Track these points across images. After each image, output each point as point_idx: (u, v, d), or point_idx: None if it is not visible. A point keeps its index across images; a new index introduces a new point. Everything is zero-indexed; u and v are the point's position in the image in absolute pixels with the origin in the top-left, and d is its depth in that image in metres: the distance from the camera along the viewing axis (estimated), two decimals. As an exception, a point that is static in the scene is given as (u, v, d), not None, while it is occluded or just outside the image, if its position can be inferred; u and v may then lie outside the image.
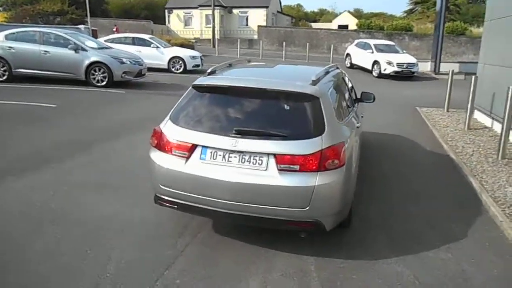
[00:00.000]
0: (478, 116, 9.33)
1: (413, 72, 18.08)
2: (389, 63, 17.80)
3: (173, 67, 15.94)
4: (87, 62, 11.16)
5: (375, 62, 18.46)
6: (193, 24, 40.71)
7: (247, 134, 3.27)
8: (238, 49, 24.79)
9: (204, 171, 3.30)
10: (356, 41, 21.54)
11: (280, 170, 3.19)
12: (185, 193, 3.40)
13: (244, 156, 3.25)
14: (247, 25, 40.23)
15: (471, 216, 4.43)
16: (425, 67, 20.65)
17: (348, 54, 21.24)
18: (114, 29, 29.39)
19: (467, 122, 8.43)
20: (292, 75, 4.43)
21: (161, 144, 3.49)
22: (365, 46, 19.82)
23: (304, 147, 3.20)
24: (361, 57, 19.73)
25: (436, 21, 20.58)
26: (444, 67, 20.17)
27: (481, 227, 4.21)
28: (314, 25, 47.37)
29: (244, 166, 3.24)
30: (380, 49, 19.17)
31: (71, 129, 7.27)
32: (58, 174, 5.15)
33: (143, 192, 4.66)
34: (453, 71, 10.37)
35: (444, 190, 5.21)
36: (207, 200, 3.34)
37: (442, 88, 15.30)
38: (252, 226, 3.70)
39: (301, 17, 58.12)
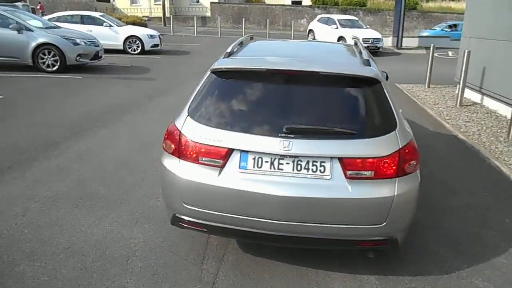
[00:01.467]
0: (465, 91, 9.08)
1: (379, 48, 17.89)
2: (355, 38, 17.39)
3: (129, 48, 14.47)
4: (33, 44, 9.60)
5: (340, 38, 18.04)
6: (140, 1, 38.19)
7: (303, 133, 2.49)
8: (195, 27, 23.34)
9: (246, 184, 2.50)
10: (319, 16, 20.99)
11: (349, 178, 2.45)
12: (220, 213, 2.58)
13: (299, 162, 2.48)
14: (198, 1, 38.37)
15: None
16: (387, 42, 20.54)
17: (310, 30, 20.66)
18: (38, 7, 26.53)
19: (459, 99, 8.13)
20: (330, 54, 3.60)
21: (182, 150, 2.62)
22: (329, 22, 19.32)
23: (379, 146, 2.48)
24: (325, 33, 19.21)
25: (398, -6, 20.40)
26: (404, 42, 20.24)
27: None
28: (267, 0, 46.17)
29: (301, 175, 2.47)
30: (344, 24, 18.78)
31: (26, 127, 6.02)
32: (22, 186, 4.08)
33: (137, 204, 3.80)
34: (434, 46, 10.07)
35: (475, 177, 4.75)
36: (250, 221, 2.55)
37: (407, 63, 15.14)
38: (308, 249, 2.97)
39: (254, -8, 56.35)
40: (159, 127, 6.17)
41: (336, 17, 19.75)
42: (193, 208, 2.63)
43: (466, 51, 7.85)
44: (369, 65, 2.88)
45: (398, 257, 3.10)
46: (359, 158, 2.44)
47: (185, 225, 2.76)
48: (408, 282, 2.86)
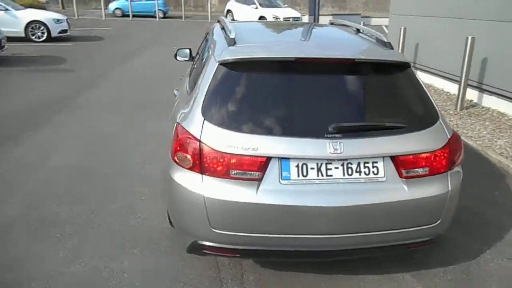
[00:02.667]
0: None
1: (299, 27, 18.04)
2: (276, 17, 17.39)
3: (32, 35, 12.57)
4: None
5: (261, 18, 17.84)
6: (29, -19, 33.74)
7: (352, 131, 2.14)
8: (103, 10, 21.23)
9: (291, 197, 2.09)
10: (236, -4, 20.46)
11: (405, 177, 2.17)
12: (258, 235, 2.15)
13: (350, 165, 2.13)
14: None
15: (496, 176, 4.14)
16: (304, 20, 20.87)
17: (229, 11, 20.11)
18: None
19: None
20: (344, 39, 3.15)
21: (206, 164, 2.10)
22: (248, 1, 18.99)
23: (430, 139, 2.23)
24: (245, 13, 18.83)
25: (311, -27, 20.64)
26: (320, 20, 20.71)
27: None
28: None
29: (353, 180, 2.13)
30: (263, 3, 18.56)
31: None
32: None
33: (113, 226, 3.18)
34: (405, 29, 10.01)
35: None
36: (296, 239, 2.16)
37: None
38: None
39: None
40: (102, 125, 5.38)
41: (255, -4, 19.44)
42: (225, 232, 2.15)
43: (402, 28, 8.08)
44: (392, 48, 2.60)
45: (422, 250, 2.95)
46: (413, 154, 2.17)
47: (210, 252, 2.27)
48: (443, 274, 2.73)
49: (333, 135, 2.09)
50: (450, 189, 2.25)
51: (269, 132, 2.11)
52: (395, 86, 2.40)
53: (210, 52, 2.68)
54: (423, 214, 2.25)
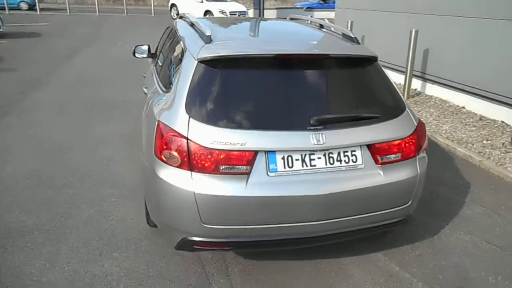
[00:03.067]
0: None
1: (245, 20, 18.11)
2: (222, 12, 17.34)
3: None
4: None
5: (207, 12, 17.69)
6: None
7: (332, 122, 2.26)
8: (37, 3, 19.87)
9: (279, 188, 2.18)
10: (180, -11, 20.06)
11: (380, 163, 2.35)
12: (248, 227, 2.22)
13: (331, 155, 2.26)
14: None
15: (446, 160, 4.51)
16: (249, 14, 20.97)
17: (173, 5, 19.73)
18: None
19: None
20: (312, 35, 3.25)
21: (195, 161, 2.13)
22: (192, -5, 18.67)
23: (401, 127, 2.42)
24: (190, 7, 18.49)
25: (255, -32, 20.75)
26: (265, 14, 20.93)
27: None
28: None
29: (335, 169, 2.27)
30: (209, -3, 18.39)
31: None
32: None
33: (87, 230, 3.12)
34: (352, 22, 10.30)
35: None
36: (284, 228, 2.26)
37: None
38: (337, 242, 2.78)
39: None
40: (54, 129, 5.13)
41: (198, -10, 19.20)
42: (216, 226, 2.20)
43: (349, 21, 8.42)
44: (359, 42, 2.77)
45: (391, 231, 3.18)
46: (386, 141, 2.35)
47: (200, 247, 2.31)
48: (411, 250, 2.97)
49: (315, 127, 2.21)
50: (419, 172, 2.46)
51: (255, 126, 2.17)
52: (366, 79, 2.56)
53: (183, 49, 2.68)
54: (397, 197, 2.44)
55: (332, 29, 3.17)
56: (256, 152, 2.15)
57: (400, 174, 2.40)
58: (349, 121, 2.31)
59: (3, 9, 18.07)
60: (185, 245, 2.31)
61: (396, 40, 7.16)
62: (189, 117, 2.18)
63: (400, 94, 2.58)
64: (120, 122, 5.48)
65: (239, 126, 2.16)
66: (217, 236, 2.24)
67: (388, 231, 2.89)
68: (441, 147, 4.84)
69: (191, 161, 2.12)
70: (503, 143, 4.74)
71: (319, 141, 2.19)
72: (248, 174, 2.15)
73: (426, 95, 6.75)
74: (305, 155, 2.22)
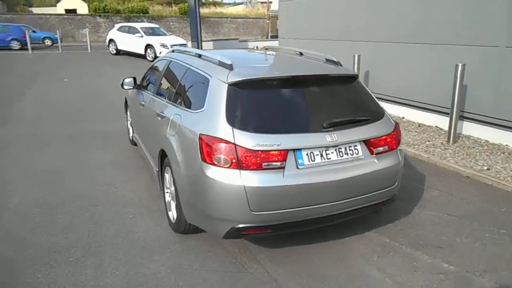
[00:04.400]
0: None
1: (186, 53, 18.73)
2: (164, 45, 17.80)
3: None
4: None
5: (148, 46, 18.07)
6: None
7: (339, 125, 2.96)
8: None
9: (306, 177, 2.80)
10: (118, 25, 20.30)
11: (376, 154, 3.08)
12: (284, 211, 2.80)
13: (340, 149, 2.95)
14: None
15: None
16: (188, 46, 21.69)
17: (112, 40, 19.79)
18: None
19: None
20: (304, 61, 3.90)
21: (243, 161, 2.69)
22: (131, 30, 19.01)
23: (385, 126, 3.18)
24: (130, 41, 18.83)
25: (190, 2, 21.60)
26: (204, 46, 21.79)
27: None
28: (35, 10, 40.41)
29: (344, 160, 2.95)
30: (148, 32, 18.81)
31: None
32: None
33: (120, 243, 3.43)
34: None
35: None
36: (310, 210, 2.87)
37: None
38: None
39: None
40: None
41: (138, 25, 19.59)
42: (261, 212, 2.75)
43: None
44: (341, 65, 3.54)
45: (378, 213, 3.89)
46: (377, 137, 3.09)
47: (247, 233, 2.82)
48: (394, 227, 3.70)
49: (327, 129, 2.88)
50: (400, 160, 3.23)
51: (284, 131, 2.80)
52: (355, 91, 3.31)
53: (204, 76, 3.24)
54: (387, 179, 3.17)
55: (311, 55, 3.93)
56: (287, 151, 2.76)
57: (389, 161, 3.14)
58: (350, 123, 3.02)
59: None
60: (234, 232, 2.81)
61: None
62: (232, 128, 2.74)
63: (378, 102, 3.37)
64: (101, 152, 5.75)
65: (273, 131, 2.77)
66: (261, 221, 2.78)
67: (378, 211, 3.59)
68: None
69: (239, 161, 2.68)
70: (441, 143, 5.81)
71: (332, 139, 2.86)
72: (283, 168, 2.75)
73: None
74: (322, 150, 2.88)
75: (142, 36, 18.32)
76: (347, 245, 3.41)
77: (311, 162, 2.83)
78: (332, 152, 2.91)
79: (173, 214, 3.51)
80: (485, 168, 4.85)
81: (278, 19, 37.33)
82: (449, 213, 3.93)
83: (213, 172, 2.74)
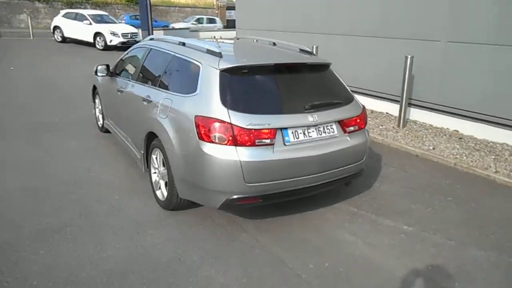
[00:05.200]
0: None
1: (137, 42, 18.39)
2: (114, 33, 17.39)
3: None
4: None
5: (97, 34, 17.54)
6: None
7: (318, 107, 3.37)
8: None
9: (292, 153, 3.19)
10: (63, 11, 19.39)
11: (347, 133, 3.53)
12: (273, 182, 3.17)
13: (319, 128, 3.37)
14: None
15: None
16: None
17: (57, 27, 18.88)
18: None
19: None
20: (280, 51, 4.25)
21: (238, 138, 3.02)
22: (79, 17, 18.29)
23: (355, 108, 3.64)
24: (77, 29, 18.12)
25: (140, -11, 21.09)
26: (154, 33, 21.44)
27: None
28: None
29: (323, 137, 3.37)
30: (97, 19, 18.22)
31: None
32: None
33: (112, 221, 3.65)
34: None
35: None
36: (295, 181, 3.26)
37: None
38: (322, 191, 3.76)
39: None
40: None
41: (85, 12, 18.87)
42: (254, 184, 3.10)
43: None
44: (315, 54, 3.96)
45: (346, 187, 4.37)
46: (348, 118, 3.54)
47: (241, 203, 3.16)
48: (360, 198, 4.21)
49: (309, 110, 3.29)
50: (367, 138, 3.72)
51: (273, 112, 3.16)
52: (328, 78, 3.74)
53: (194, 63, 3.50)
54: (357, 155, 3.64)
55: (284, 45, 4.31)
56: (276, 130, 3.13)
57: (358, 139, 3.62)
58: (327, 106, 3.44)
59: None
60: (229, 203, 3.14)
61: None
62: (227, 109, 3.05)
63: (347, 88, 3.83)
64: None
65: (263, 112, 3.12)
66: (254, 192, 3.13)
67: (348, 184, 4.06)
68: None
69: (235, 139, 3.00)
70: (393, 127, 6.47)
71: (313, 119, 3.27)
72: (273, 145, 3.11)
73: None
74: (305, 129, 3.28)
75: (90, 24, 17.71)
76: (321, 215, 3.85)
77: (296, 140, 3.23)
78: (313, 131, 3.33)
79: (162, 192, 3.76)
80: (431, 147, 5.54)
81: (227, 9, 37.00)
82: (404, 186, 4.52)
83: (210, 149, 3.04)
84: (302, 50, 4.07)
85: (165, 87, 3.79)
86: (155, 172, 3.94)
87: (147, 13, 20.52)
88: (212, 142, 3.04)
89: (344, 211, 3.94)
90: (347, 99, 3.68)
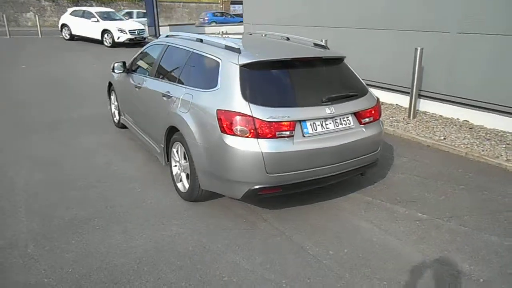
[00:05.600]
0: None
1: (145, 38, 18.55)
2: (122, 30, 17.51)
3: None
4: None
5: (105, 31, 17.69)
6: None
7: (335, 99, 3.48)
8: None
9: (311, 144, 3.30)
10: (70, 9, 19.54)
11: (362, 124, 3.64)
12: (293, 172, 3.29)
13: (336, 120, 3.48)
14: None
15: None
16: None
17: (64, 25, 19.04)
18: None
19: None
20: (296, 44, 4.35)
21: (260, 131, 3.14)
22: (86, 15, 18.44)
23: (370, 100, 3.75)
24: (85, 26, 18.28)
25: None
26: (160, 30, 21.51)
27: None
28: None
29: (340, 129, 3.49)
30: (103, 17, 18.36)
31: None
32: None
33: (137, 212, 3.79)
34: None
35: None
36: (313, 172, 3.38)
37: None
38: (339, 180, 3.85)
39: None
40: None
41: (92, 9, 19.00)
42: (275, 175, 3.22)
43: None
44: (328, 48, 4.06)
45: (358, 177, 4.51)
46: (363, 110, 3.65)
47: (262, 193, 3.29)
48: (374, 188, 4.32)
49: (326, 103, 3.40)
50: (382, 129, 3.83)
51: (292, 105, 3.27)
52: (343, 71, 3.84)
53: (213, 59, 3.62)
54: (372, 146, 3.75)
55: (298, 40, 4.42)
56: (295, 122, 3.24)
57: (373, 130, 3.72)
58: (343, 98, 3.55)
59: None
60: (251, 193, 3.26)
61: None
62: (249, 103, 3.17)
63: (361, 80, 3.93)
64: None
65: (282, 105, 3.24)
66: (275, 182, 3.25)
67: (364, 174, 4.15)
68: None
69: (257, 131, 3.13)
70: (403, 118, 6.56)
71: (330, 111, 3.38)
72: (292, 136, 3.23)
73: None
74: (323, 121, 3.39)
75: (98, 21, 17.85)
76: (337, 204, 3.97)
77: (314, 131, 3.34)
78: (330, 123, 3.44)
79: (184, 184, 3.90)
80: (442, 138, 5.63)
81: (231, 3, 36.85)
82: (417, 175, 4.63)
83: (232, 141, 3.17)
84: (316, 44, 4.17)
85: (184, 82, 3.91)
86: (175, 165, 4.08)
87: (153, 9, 20.68)
88: (234, 134, 3.16)
89: (359, 200, 4.06)
90: (362, 91, 3.78)
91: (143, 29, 18.43)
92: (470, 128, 5.96)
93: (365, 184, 4.38)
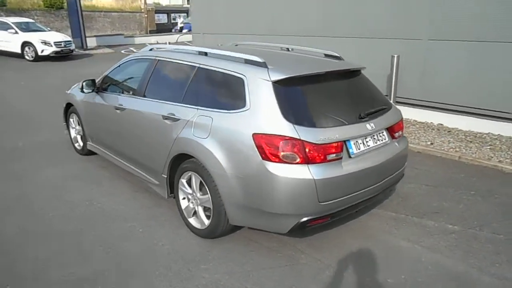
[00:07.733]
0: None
1: (72, 50, 17.04)
2: (46, 43, 15.88)
3: None
4: None
5: (26, 44, 15.90)
6: None
7: (371, 114, 3.23)
8: None
9: (357, 164, 3.01)
10: (-20, 20, 17.27)
11: (394, 138, 3.44)
12: (343, 198, 2.98)
13: (374, 137, 3.23)
14: None
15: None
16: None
17: (-26, 38, 16.77)
18: None
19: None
20: (308, 56, 3.99)
21: (309, 155, 2.77)
22: (1, 26, 16.43)
23: (397, 113, 3.56)
24: (2, 38, 16.29)
25: (69, -4, 19.60)
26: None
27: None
28: None
29: (378, 145, 3.24)
30: (22, 28, 16.54)
31: None
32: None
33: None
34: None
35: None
36: (360, 194, 3.10)
37: (109, 63, 15.93)
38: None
39: None
40: None
41: (9, 20, 16.99)
42: (326, 203, 2.87)
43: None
44: (343, 59, 3.81)
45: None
46: (394, 124, 3.46)
47: (311, 224, 2.91)
48: (391, 202, 4.15)
49: (365, 119, 3.13)
50: (408, 144, 3.67)
51: (337, 123, 2.95)
52: (365, 82, 3.60)
53: (232, 75, 3.17)
54: (403, 160, 3.57)
55: (306, 51, 4.12)
56: (343, 142, 2.93)
57: (403, 144, 3.54)
58: (378, 112, 3.32)
59: None
60: (299, 226, 2.87)
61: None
62: (293, 124, 2.79)
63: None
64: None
65: (328, 125, 2.91)
66: (326, 210, 2.90)
67: (393, 190, 3.97)
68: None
69: (306, 156, 2.75)
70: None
71: (371, 127, 3.12)
72: (341, 158, 2.91)
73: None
74: (363, 139, 3.12)
75: (16, 33, 16.00)
76: (364, 223, 3.73)
77: (358, 151, 3.06)
78: (370, 140, 3.18)
79: (201, 219, 3.39)
80: (429, 143, 5.70)
81: (155, 12, 35.64)
82: (425, 184, 4.57)
83: (278, 169, 2.76)
84: (327, 55, 3.90)
85: (195, 102, 3.40)
86: (184, 198, 3.55)
87: (78, 19, 19.12)
88: (280, 161, 2.76)
89: (383, 216, 3.86)
90: (389, 104, 3.59)
91: (70, 41, 16.91)
92: (449, 131, 6.13)
93: (381, 198, 4.20)
